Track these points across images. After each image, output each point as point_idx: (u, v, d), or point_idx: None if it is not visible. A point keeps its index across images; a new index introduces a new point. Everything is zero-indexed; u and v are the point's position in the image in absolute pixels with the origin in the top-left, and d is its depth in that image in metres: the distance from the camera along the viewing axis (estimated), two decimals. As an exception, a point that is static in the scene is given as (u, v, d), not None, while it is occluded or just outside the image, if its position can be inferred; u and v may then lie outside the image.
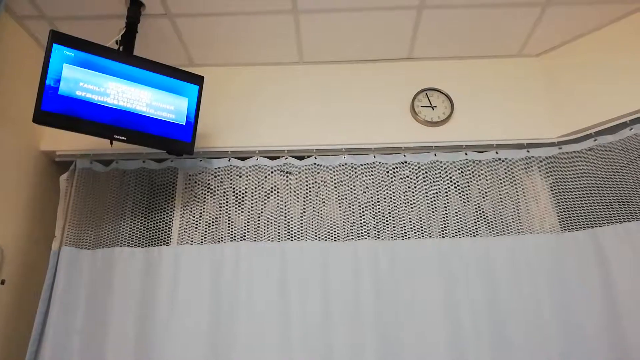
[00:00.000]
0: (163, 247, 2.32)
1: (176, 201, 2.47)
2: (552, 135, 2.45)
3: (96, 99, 1.99)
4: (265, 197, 2.43)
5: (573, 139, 2.42)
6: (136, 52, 2.24)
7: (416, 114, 2.50)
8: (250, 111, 2.57)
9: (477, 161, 2.48)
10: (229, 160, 2.50)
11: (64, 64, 1.93)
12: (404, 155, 2.49)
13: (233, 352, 2.10)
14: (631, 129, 2.24)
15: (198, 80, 2.25)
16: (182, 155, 2.48)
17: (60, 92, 1.91)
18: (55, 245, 2.31)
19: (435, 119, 2.49)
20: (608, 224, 2.17)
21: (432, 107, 2.52)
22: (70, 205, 2.41)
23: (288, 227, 2.36)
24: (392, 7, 2.30)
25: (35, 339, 2.15)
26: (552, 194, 2.37)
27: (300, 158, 2.52)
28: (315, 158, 2.50)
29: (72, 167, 2.49)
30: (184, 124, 2.20)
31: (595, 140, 2.34)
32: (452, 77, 2.60)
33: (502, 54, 2.63)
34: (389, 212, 2.38)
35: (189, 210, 2.43)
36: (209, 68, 2.66)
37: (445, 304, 2.16)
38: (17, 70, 2.31)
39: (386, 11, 2.32)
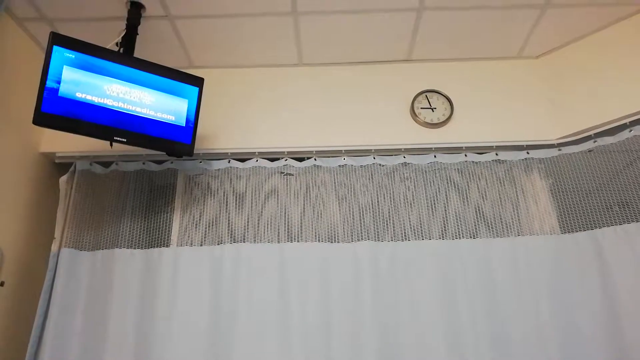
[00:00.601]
0: (163, 248, 2.32)
1: (176, 202, 2.47)
2: (552, 136, 2.45)
3: (96, 100, 1.99)
4: (265, 199, 2.44)
5: (573, 140, 2.42)
6: (136, 54, 2.24)
7: (416, 115, 2.50)
8: (250, 113, 2.57)
9: (476, 163, 2.48)
10: (229, 162, 2.50)
11: (64, 66, 1.93)
12: (404, 157, 2.49)
13: (233, 354, 2.10)
14: (631, 131, 2.24)
15: (198, 82, 2.25)
16: (182, 157, 2.48)
17: (60, 93, 1.91)
18: (54, 246, 2.31)
19: (435, 121, 2.49)
20: (608, 226, 2.18)
21: (432, 109, 2.52)
22: (70, 207, 2.41)
23: (288, 229, 2.36)
24: (392, 9, 2.30)
25: (35, 340, 2.15)
26: (552, 196, 2.38)
27: (300, 159, 2.52)
28: (315, 159, 2.50)
29: (72, 168, 2.49)
30: (184, 125, 2.20)
31: (594, 141, 2.34)
32: (452, 79, 2.61)
33: (501, 55, 2.63)
34: (389, 214, 2.38)
35: (189, 212, 2.43)
36: (209, 70, 2.66)
37: (444, 305, 2.16)
38: (17, 72, 2.31)
39: (386, 13, 2.33)
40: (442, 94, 2.55)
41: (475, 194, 2.42)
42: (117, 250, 2.33)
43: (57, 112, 1.90)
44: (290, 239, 2.34)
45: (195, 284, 2.23)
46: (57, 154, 2.49)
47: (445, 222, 2.36)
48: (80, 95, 1.96)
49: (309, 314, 2.15)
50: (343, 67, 2.67)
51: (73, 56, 1.96)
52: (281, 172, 2.49)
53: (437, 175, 2.47)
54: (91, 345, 2.16)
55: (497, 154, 2.47)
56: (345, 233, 2.35)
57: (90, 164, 2.51)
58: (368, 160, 2.49)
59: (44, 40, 2.41)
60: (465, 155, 2.47)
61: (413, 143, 2.48)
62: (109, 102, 2.02)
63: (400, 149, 2.49)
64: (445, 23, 2.40)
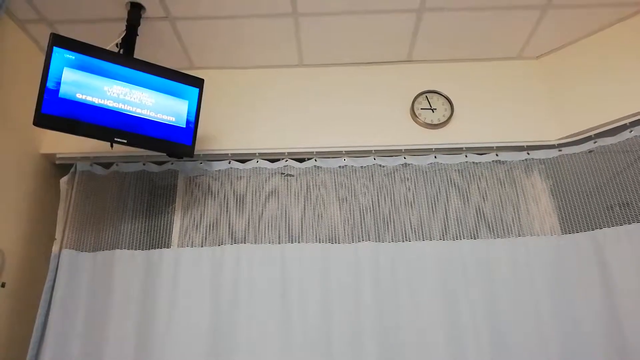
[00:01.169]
0: (163, 249, 2.32)
1: (176, 204, 2.47)
2: (552, 137, 2.45)
3: (96, 101, 1.99)
4: (265, 200, 2.44)
5: (573, 141, 2.42)
6: (136, 55, 2.24)
7: (416, 116, 2.50)
8: (250, 114, 2.57)
9: (477, 163, 2.48)
10: (229, 163, 2.50)
11: (65, 67, 1.93)
12: (404, 158, 2.49)
13: (233, 355, 2.10)
14: (631, 131, 2.24)
15: (198, 83, 2.25)
16: (182, 158, 2.48)
17: (60, 94, 1.91)
18: (55, 247, 2.31)
19: (435, 121, 2.49)
20: (608, 226, 2.17)
21: (432, 110, 2.52)
22: (71, 208, 2.41)
23: (288, 230, 2.36)
24: (392, 10, 2.30)
25: (36, 341, 2.15)
26: (552, 196, 2.37)
27: (301, 160, 2.52)
28: (316, 160, 2.50)
29: (72, 169, 2.49)
30: (184, 126, 2.20)
31: (595, 142, 2.34)
32: (452, 80, 2.61)
33: (502, 56, 2.63)
34: (389, 214, 2.38)
35: (189, 213, 2.43)
36: (209, 71, 2.66)
37: (445, 305, 2.16)
38: (17, 73, 2.31)
39: (386, 14, 2.33)
40: (442, 95, 2.55)
41: (475, 194, 2.42)
42: (117, 251, 2.33)
43: (57, 113, 1.90)
44: (290, 239, 2.34)
45: (196, 285, 2.23)
46: (57, 155, 2.49)
47: (445, 222, 2.36)
48: (80, 97, 1.96)
49: (309, 315, 2.15)
50: (343, 67, 2.67)
51: (73, 57, 1.96)
52: (282, 173, 2.49)
53: (438, 175, 2.47)
54: (92, 346, 2.16)
55: (497, 155, 2.47)
56: (346, 234, 2.35)
57: (91, 165, 2.51)
58: (368, 161, 2.49)
59: (44, 42, 2.41)
60: (466, 156, 2.47)
61: (413, 144, 2.48)
62: (109, 103, 2.02)
63: (401, 149, 2.49)
64: (445, 24, 2.39)
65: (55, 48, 1.92)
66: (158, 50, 2.53)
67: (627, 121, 2.26)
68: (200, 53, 2.56)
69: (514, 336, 2.09)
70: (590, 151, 2.36)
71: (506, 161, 2.47)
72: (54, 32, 2.32)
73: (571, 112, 2.42)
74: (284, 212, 2.40)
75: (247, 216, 2.40)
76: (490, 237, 2.31)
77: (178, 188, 2.50)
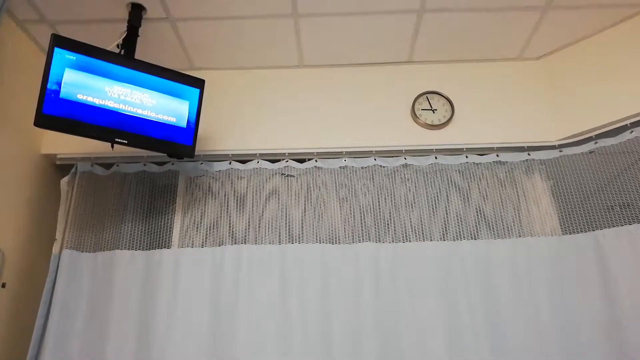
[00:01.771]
0: (164, 250, 2.32)
1: (177, 204, 2.47)
2: (553, 138, 2.45)
3: (97, 102, 1.99)
4: (266, 200, 2.44)
5: (574, 141, 2.42)
6: (137, 56, 2.25)
7: (417, 117, 2.50)
8: (251, 114, 2.57)
9: (477, 164, 2.48)
10: (230, 163, 2.51)
11: (65, 68, 1.93)
12: (405, 158, 2.49)
13: (233, 355, 2.10)
14: (632, 132, 2.24)
15: (199, 83, 2.26)
16: (183, 158, 2.48)
17: (61, 95, 1.91)
18: (56, 248, 2.31)
19: (436, 122, 2.49)
20: (609, 227, 2.17)
21: (433, 110, 2.52)
22: (71, 209, 2.42)
23: (289, 230, 2.36)
24: (393, 11, 2.30)
25: (36, 341, 2.15)
26: (553, 197, 2.37)
27: (301, 161, 2.52)
28: (316, 161, 2.50)
29: (73, 170, 2.49)
30: (185, 127, 2.20)
31: (596, 143, 2.34)
32: (453, 80, 2.61)
33: (502, 57, 2.63)
34: (390, 215, 2.38)
35: (190, 213, 2.44)
36: (210, 71, 2.67)
37: (445, 306, 2.15)
38: (18, 74, 2.32)
39: (387, 15, 2.33)
40: (442, 95, 2.55)
41: (476, 195, 2.42)
42: (118, 251, 2.33)
43: (58, 113, 1.90)
44: (291, 240, 2.34)
45: (196, 286, 2.23)
46: (58, 156, 2.50)
47: (446, 223, 2.36)
48: (81, 97, 1.96)
49: (309, 315, 2.15)
50: (343, 68, 2.67)
51: (74, 58, 1.96)
52: (282, 174, 2.49)
53: (438, 176, 2.47)
54: (92, 346, 2.16)
55: (498, 155, 2.47)
56: (346, 234, 2.35)
57: (92, 166, 2.51)
58: (369, 161, 2.49)
59: (45, 42, 2.41)
60: (466, 157, 2.47)
61: (414, 144, 2.48)
62: (110, 104, 2.02)
63: (401, 150, 2.49)
64: (446, 25, 2.40)
65: (56, 49, 1.92)
66: (159, 51, 2.53)
67: (627, 122, 2.26)
68: (201, 54, 2.56)
69: (514, 336, 2.09)
70: (590, 152, 2.36)
71: (507, 162, 2.47)
72: (55, 32, 2.32)
73: (572, 113, 2.42)
74: (285, 212, 2.40)
75: (247, 216, 2.40)
76: (490, 237, 2.31)
77: (179, 188, 2.50)
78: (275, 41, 2.49)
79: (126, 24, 2.24)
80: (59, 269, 2.27)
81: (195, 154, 2.37)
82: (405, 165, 2.49)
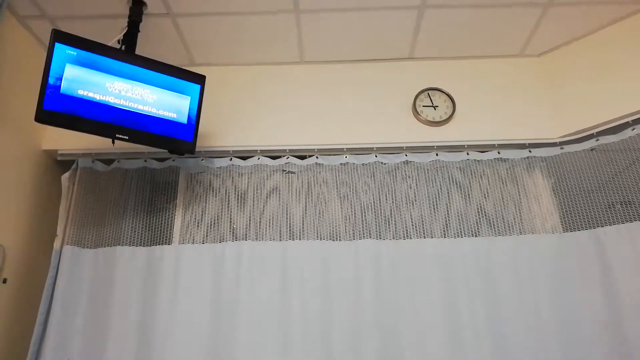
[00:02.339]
0: (164, 246, 2.33)
1: (178, 200, 2.47)
2: (554, 135, 2.45)
3: (98, 98, 1.99)
4: (266, 197, 2.43)
5: (575, 139, 2.41)
6: (138, 52, 2.24)
7: (418, 113, 2.50)
8: (252, 110, 2.57)
9: (478, 161, 2.47)
10: (231, 160, 2.50)
11: (66, 63, 1.93)
12: (406, 155, 2.48)
13: (234, 351, 2.10)
14: (633, 129, 2.24)
15: (200, 79, 2.25)
16: (183, 155, 2.48)
17: (62, 91, 1.91)
18: (56, 244, 2.32)
19: (437, 119, 2.49)
20: (610, 224, 2.17)
21: (434, 107, 2.52)
22: (72, 205, 2.42)
23: (289, 227, 2.36)
24: (394, 7, 2.30)
25: (37, 337, 2.15)
26: (554, 194, 2.37)
27: (302, 157, 2.52)
28: (317, 158, 2.50)
29: (73, 166, 2.49)
30: (186, 123, 2.20)
31: (597, 140, 2.33)
32: (454, 77, 2.60)
33: (504, 53, 2.63)
34: (391, 212, 2.38)
35: (191, 210, 2.44)
36: (211, 67, 2.66)
37: (446, 303, 2.16)
38: (19, 70, 2.31)
39: (388, 11, 2.32)
40: (444, 92, 2.55)
41: (477, 192, 2.41)
42: (119, 247, 2.33)
43: (59, 109, 1.90)
44: (291, 237, 2.34)
45: (197, 282, 2.23)
46: (59, 152, 2.50)
47: (447, 220, 2.35)
48: (82, 93, 1.96)
49: (310, 312, 2.16)
50: (345, 64, 2.67)
51: (75, 53, 1.95)
52: (283, 170, 2.49)
53: (439, 173, 2.46)
54: (93, 342, 2.17)
55: (499, 153, 2.47)
56: (347, 231, 2.35)
57: (92, 162, 2.51)
58: (370, 158, 2.49)
59: (46, 38, 2.41)
60: (467, 154, 2.47)
61: (415, 141, 2.47)
62: (110, 100, 2.02)
63: (402, 147, 2.48)
64: (447, 21, 2.39)
65: (56, 44, 1.92)
66: (159, 46, 2.52)
67: (629, 119, 2.26)
68: (202, 50, 2.56)
69: (515, 333, 2.09)
70: (592, 149, 2.35)
71: (508, 159, 2.47)
72: (56, 28, 2.32)
73: (573, 110, 2.42)
74: (285, 209, 2.40)
75: (248, 213, 2.40)
76: (491, 234, 2.31)
77: (179, 185, 2.50)
78: (276, 37, 2.48)
79: (127, 19, 2.24)
80: (60, 265, 2.27)
81: (196, 150, 2.37)
82: (406, 162, 2.49)
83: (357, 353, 2.08)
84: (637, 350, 1.96)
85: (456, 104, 2.52)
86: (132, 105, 2.07)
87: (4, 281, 2.15)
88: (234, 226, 2.37)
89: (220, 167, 2.50)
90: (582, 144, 2.38)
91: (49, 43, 1.91)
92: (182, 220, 2.42)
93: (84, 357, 2.14)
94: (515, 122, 2.49)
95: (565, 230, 2.28)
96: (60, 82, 1.91)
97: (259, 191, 2.45)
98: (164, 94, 2.15)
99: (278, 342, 2.11)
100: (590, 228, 2.21)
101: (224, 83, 2.63)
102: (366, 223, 2.35)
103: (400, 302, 2.17)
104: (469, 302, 2.15)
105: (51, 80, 1.89)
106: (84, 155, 2.51)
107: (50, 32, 1.94)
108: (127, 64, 2.07)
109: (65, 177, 2.44)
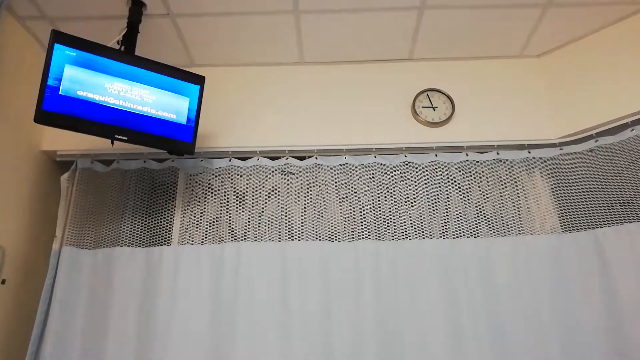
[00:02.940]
0: (164, 247, 2.32)
1: (177, 201, 2.47)
2: (553, 136, 2.45)
3: (97, 98, 1.99)
4: (266, 198, 2.43)
5: (574, 139, 2.42)
6: (137, 52, 2.24)
7: (417, 114, 2.50)
8: (251, 111, 2.57)
9: (478, 162, 2.48)
10: (230, 161, 2.50)
11: (66, 64, 1.93)
12: (405, 156, 2.49)
13: (233, 352, 2.10)
14: (632, 130, 2.24)
15: (199, 80, 2.25)
16: (183, 155, 2.48)
17: (61, 91, 1.91)
18: (56, 245, 2.31)
19: (436, 120, 2.49)
20: (609, 225, 2.17)
21: (433, 108, 2.52)
22: (71, 205, 2.41)
23: (289, 228, 2.36)
24: (393, 8, 2.30)
25: (36, 338, 2.15)
26: (553, 195, 2.37)
27: (301, 158, 2.52)
28: (316, 158, 2.50)
29: (73, 166, 2.49)
30: (185, 123, 2.20)
31: (596, 141, 2.34)
32: (453, 78, 2.61)
33: (503, 54, 2.63)
34: (390, 213, 2.38)
35: (190, 210, 2.43)
36: (210, 68, 2.66)
37: (445, 304, 2.16)
38: (18, 70, 2.31)
39: (387, 12, 2.32)
40: (443, 93, 2.55)
41: (476, 193, 2.41)
42: (118, 248, 2.33)
43: (58, 110, 1.90)
44: (291, 237, 2.34)
45: (196, 283, 2.23)
46: (58, 152, 2.49)
47: (446, 221, 2.35)
48: (81, 93, 1.95)
49: (309, 313, 2.15)
50: (344, 65, 2.67)
51: (74, 54, 1.95)
52: (282, 171, 2.49)
53: (438, 174, 2.46)
54: (92, 343, 2.16)
55: (498, 153, 2.47)
56: (346, 232, 2.35)
57: (92, 162, 2.51)
58: (369, 159, 2.49)
59: (45, 39, 2.41)
60: (467, 155, 2.47)
61: (414, 142, 2.48)
62: (110, 100, 2.02)
63: (402, 147, 2.49)
64: (446, 22, 2.39)
65: (56, 45, 1.92)
66: (159, 47, 2.53)
67: (628, 120, 2.26)
68: (201, 50, 2.56)
69: (514, 334, 2.09)
70: (591, 150, 2.35)
71: (507, 160, 2.47)
72: (55, 28, 2.32)
73: (572, 111, 2.42)
74: (285, 210, 2.40)
75: (247, 214, 2.40)
76: (490, 235, 2.31)
77: (178, 185, 2.50)
78: (276, 38, 2.49)
79: (126, 20, 2.24)
80: (59, 265, 2.27)
81: (196, 151, 2.37)
82: (406, 163, 2.49)
83: (357, 354, 2.08)
84: (637, 350, 1.96)
85: (455, 105, 2.52)
86: (132, 106, 2.07)
87: (3, 282, 2.15)
88: (233, 227, 2.37)
89: (219, 168, 2.50)
90: (581, 144, 2.38)
91: (49, 44, 1.91)
92: (181, 220, 2.42)
93: (83, 358, 2.14)
94: (515, 122, 2.49)
95: (565, 231, 2.28)
96: (60, 83, 1.91)
97: (258, 192, 2.45)
98: (164, 94, 2.15)
99: (277, 343, 2.11)
100: (589, 229, 2.21)
101: (224, 84, 2.63)
102: (365, 224, 2.35)
103: (399, 303, 2.17)
104: (468, 302, 2.15)
105: (50, 81, 1.89)
106: (83, 156, 2.51)
107: (49, 32, 1.94)
108: (127, 65, 2.07)
109: (64, 177, 2.44)
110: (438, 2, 2.26)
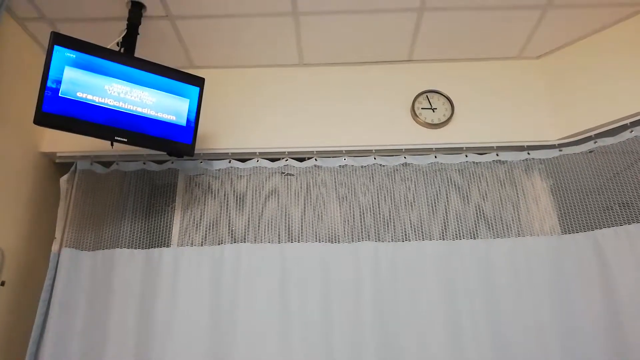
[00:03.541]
0: (163, 248, 2.32)
1: (176, 203, 2.47)
2: (553, 137, 2.45)
3: (97, 100, 1.99)
4: (265, 199, 2.43)
5: (573, 141, 2.42)
6: (137, 54, 2.24)
7: (417, 115, 2.50)
8: (251, 113, 2.57)
9: (477, 163, 2.48)
10: (230, 162, 2.50)
11: (65, 66, 1.93)
12: (404, 157, 2.49)
13: (233, 354, 2.10)
14: (631, 131, 2.24)
15: (199, 81, 2.25)
16: (182, 157, 2.48)
17: (61, 93, 1.91)
18: (55, 246, 2.31)
19: (436, 121, 2.49)
20: (608, 226, 2.18)
21: (433, 109, 2.52)
22: (71, 207, 2.41)
23: (288, 229, 2.36)
24: (393, 10, 2.30)
25: (35, 340, 2.15)
26: (552, 196, 2.37)
27: (301, 160, 2.52)
28: (316, 160, 2.50)
29: (72, 168, 2.49)
30: (185, 125, 2.20)
31: (595, 142, 2.34)
32: (453, 79, 2.61)
33: (502, 56, 2.63)
34: (389, 214, 2.38)
35: (190, 212, 2.43)
36: (210, 70, 2.66)
37: (445, 305, 2.16)
38: (18, 72, 2.31)
39: (387, 13, 2.33)
40: (442, 94, 2.55)
41: (475, 194, 2.42)
42: (117, 250, 2.33)
43: (57, 111, 1.90)
44: (290, 239, 2.34)
45: (196, 284, 2.23)
46: (57, 154, 2.49)
47: (445, 222, 2.36)
48: (81, 95, 1.96)
49: (309, 314, 2.15)
50: (343, 67, 2.67)
51: (74, 56, 1.96)
52: (282, 172, 2.49)
53: (438, 175, 2.47)
54: (91, 345, 2.16)
55: (497, 155, 2.47)
56: (346, 233, 2.35)
57: (91, 164, 2.51)
58: (368, 160, 2.49)
59: (45, 40, 2.41)
60: (466, 156, 2.47)
61: (414, 143, 2.48)
62: (109, 102, 2.02)
63: (401, 149, 2.49)
64: (446, 23, 2.39)
65: (56, 46, 1.92)
66: (159, 49, 2.53)
67: (627, 121, 2.26)
68: (201, 52, 2.56)
69: (514, 335, 2.09)
70: (590, 151, 2.36)
71: (506, 161, 2.47)
72: (55, 30, 2.32)
73: (571, 112, 2.42)
74: (284, 211, 2.40)
75: (247, 215, 2.40)
76: (490, 237, 2.31)
77: (178, 187, 2.50)
78: (275, 39, 2.49)
79: (126, 22, 2.24)
80: (58, 267, 2.27)
81: (195, 152, 2.37)
82: (405, 164, 2.49)
83: (356, 355, 2.08)
84: (636, 351, 1.96)
85: (455, 106, 2.53)
86: (131, 108, 2.07)
87: (2, 284, 2.15)
88: (233, 228, 2.37)
89: (219, 170, 2.50)
90: (580, 146, 2.38)
91: (48, 45, 1.91)
92: (180, 222, 2.42)
93: (82, 359, 2.14)
94: (514, 124, 2.49)
95: (564, 232, 2.28)
96: (59, 85, 1.91)
97: (257, 193, 2.45)
98: (163, 96, 2.15)
99: (277, 344, 2.11)
100: (588, 230, 2.21)
101: (223, 85, 2.63)
102: (365, 225, 2.35)
103: (399, 304, 2.17)
104: (467, 303, 2.15)
105: (50, 83, 1.89)
106: (82, 157, 2.51)
107: (49, 34, 1.94)
108: (126, 67, 2.07)
109: (63, 179, 2.44)
110: (437, 3, 2.27)
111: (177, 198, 2.48)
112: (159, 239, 2.40)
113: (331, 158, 2.51)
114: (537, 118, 2.50)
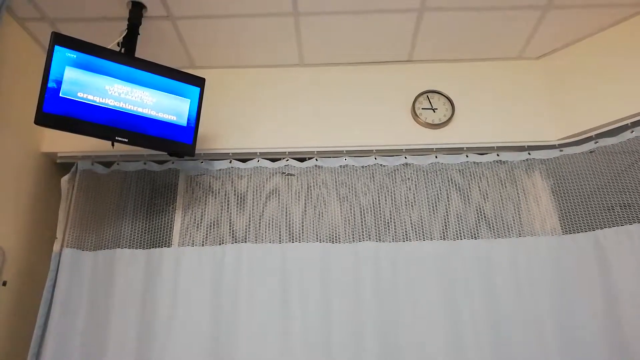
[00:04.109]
0: (164, 248, 2.33)
1: (177, 203, 2.47)
2: (553, 137, 2.45)
3: (98, 100, 1.99)
4: (266, 199, 2.44)
5: (574, 141, 2.42)
6: (138, 54, 2.24)
7: (417, 116, 2.50)
8: (251, 113, 2.57)
9: (478, 163, 2.48)
10: (230, 162, 2.50)
11: (66, 66, 1.93)
12: (405, 157, 2.49)
13: (234, 354, 2.10)
14: (632, 132, 2.24)
15: (199, 82, 2.25)
16: (183, 157, 2.48)
17: (61, 93, 1.91)
18: (56, 246, 2.32)
19: (436, 121, 2.49)
20: (609, 227, 2.18)
21: (433, 109, 2.52)
22: (72, 207, 2.42)
23: (289, 229, 2.37)
24: (393, 10, 2.30)
25: (37, 340, 2.15)
26: (553, 196, 2.37)
27: (301, 160, 2.52)
28: (317, 160, 2.50)
29: (73, 168, 2.49)
30: (185, 125, 2.20)
31: (596, 142, 2.34)
32: (453, 80, 2.61)
33: (503, 56, 2.63)
34: (390, 214, 2.38)
35: (190, 212, 2.44)
36: (210, 70, 2.66)
37: (445, 305, 2.16)
38: (18, 72, 2.31)
39: (387, 14, 2.33)
40: (443, 95, 2.55)
41: (476, 194, 2.42)
42: (118, 250, 2.33)
43: (58, 112, 1.90)
44: (291, 239, 2.34)
45: (197, 284, 2.23)
46: (58, 154, 2.50)
47: (446, 222, 2.36)
48: (81, 95, 1.96)
49: (310, 314, 2.16)
50: (344, 67, 2.67)
51: (74, 56, 1.96)
52: (282, 173, 2.49)
53: (438, 175, 2.47)
54: (93, 345, 2.17)
55: (498, 155, 2.47)
56: (347, 233, 2.35)
57: (92, 164, 2.51)
58: (369, 160, 2.49)
59: (46, 40, 2.41)
60: (467, 156, 2.47)
61: (414, 143, 2.48)
62: (110, 102, 2.02)
63: (402, 149, 2.49)
64: (446, 24, 2.39)
65: (56, 47, 1.92)
66: (159, 49, 2.53)
67: (628, 121, 2.26)
68: (202, 52, 2.56)
69: (514, 335, 2.09)
70: (591, 151, 2.36)
71: (507, 161, 2.47)
72: (56, 30, 2.32)
73: (572, 112, 2.42)
74: (285, 211, 2.40)
75: (248, 215, 2.40)
76: (490, 237, 2.31)
77: (179, 187, 2.51)
78: (276, 40, 2.49)
79: (127, 22, 2.24)
80: (59, 267, 2.27)
81: (196, 152, 2.37)
82: (406, 165, 2.49)
83: (357, 355, 2.09)
84: (636, 352, 1.96)
85: (455, 107, 2.53)
86: (132, 108, 2.07)
87: (4, 284, 2.15)
88: (234, 228, 2.37)
89: (219, 170, 2.50)
90: (581, 146, 2.38)
91: (49, 46, 1.91)
92: (181, 222, 2.42)
93: (83, 359, 2.14)
94: (515, 124, 2.49)
95: (565, 232, 2.28)
96: (60, 85, 1.91)
97: (258, 193, 2.46)
98: (164, 96, 2.16)
99: (278, 344, 2.11)
100: (589, 230, 2.21)
101: (224, 85, 2.63)
102: (365, 225, 2.35)
103: (399, 304, 2.17)
104: (468, 303, 2.15)
105: (51, 83, 1.89)
106: (83, 157, 2.51)
107: (50, 34, 1.94)
108: (127, 67, 2.07)
109: (64, 179, 2.44)
110: (438, 4, 2.27)
111: (178, 198, 2.48)
112: (160, 239, 2.40)
113: (332, 158, 2.51)
114: (538, 118, 2.50)
